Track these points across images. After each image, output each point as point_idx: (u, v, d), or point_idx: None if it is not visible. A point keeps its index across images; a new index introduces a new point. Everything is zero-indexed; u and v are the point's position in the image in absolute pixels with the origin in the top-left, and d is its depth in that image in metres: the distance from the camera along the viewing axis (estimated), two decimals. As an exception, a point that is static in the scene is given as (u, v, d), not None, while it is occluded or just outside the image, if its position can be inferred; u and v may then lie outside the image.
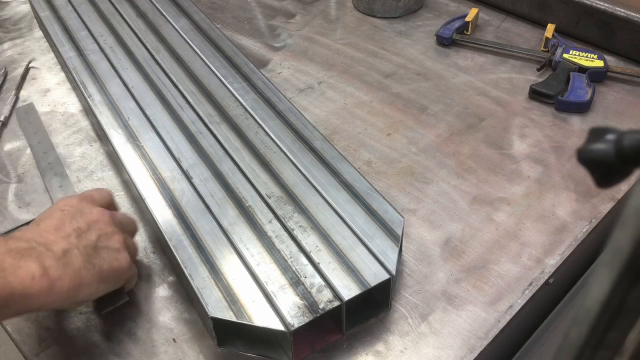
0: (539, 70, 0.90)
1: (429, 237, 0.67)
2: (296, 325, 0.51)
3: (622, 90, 0.87)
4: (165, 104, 0.78)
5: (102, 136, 0.79)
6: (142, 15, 0.97)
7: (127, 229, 0.61)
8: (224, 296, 0.54)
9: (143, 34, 0.92)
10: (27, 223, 0.68)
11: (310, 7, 1.10)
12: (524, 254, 0.65)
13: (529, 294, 0.61)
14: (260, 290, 0.55)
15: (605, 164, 0.28)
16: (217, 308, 0.53)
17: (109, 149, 0.78)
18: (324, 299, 0.53)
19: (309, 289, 0.54)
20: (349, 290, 0.54)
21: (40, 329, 0.60)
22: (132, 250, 0.59)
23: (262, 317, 0.52)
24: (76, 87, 0.86)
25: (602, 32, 0.92)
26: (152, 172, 0.68)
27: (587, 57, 0.88)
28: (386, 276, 0.55)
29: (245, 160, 0.68)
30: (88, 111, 0.84)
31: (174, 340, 0.58)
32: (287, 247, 0.58)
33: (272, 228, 0.60)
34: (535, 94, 0.85)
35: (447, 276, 0.63)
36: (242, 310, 0.53)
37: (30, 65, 0.96)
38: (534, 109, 0.84)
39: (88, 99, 0.79)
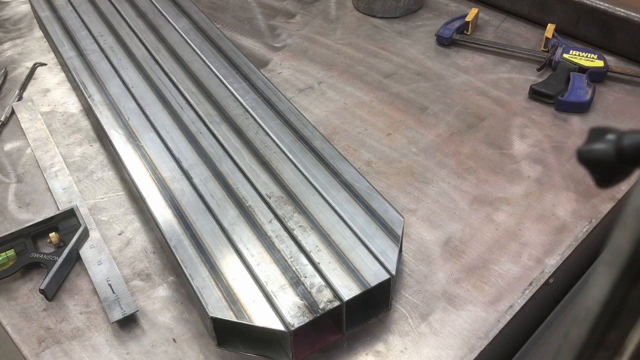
0: (539, 70, 0.90)
1: (429, 237, 0.67)
2: (296, 325, 0.51)
3: (622, 90, 0.87)
4: (165, 104, 0.78)
5: (102, 136, 0.79)
6: (142, 15, 0.97)
7: None
8: (224, 296, 0.54)
9: (143, 34, 0.92)
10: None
11: (310, 7, 1.10)
12: (524, 254, 0.65)
13: (529, 294, 0.61)
14: (260, 290, 0.55)
15: (605, 164, 0.28)
16: (217, 308, 0.53)
17: (109, 149, 0.78)
18: (324, 299, 0.53)
19: (309, 289, 0.54)
20: (349, 290, 0.54)
21: (40, 329, 0.60)
22: None
23: (262, 317, 0.52)
24: (76, 87, 0.86)
25: (602, 32, 0.92)
26: (152, 172, 0.68)
27: (587, 57, 0.88)
28: (386, 276, 0.55)
29: (245, 160, 0.68)
30: (88, 111, 0.84)
31: (174, 340, 0.58)
32: (287, 247, 0.58)
33: (272, 228, 0.60)
34: (535, 94, 0.85)
35: (447, 276, 0.63)
36: (242, 310, 0.53)
37: (37, 65, 0.96)
38: (534, 109, 0.84)
39: (88, 99, 0.79)
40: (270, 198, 0.63)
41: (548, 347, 0.65)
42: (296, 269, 0.56)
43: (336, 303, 0.53)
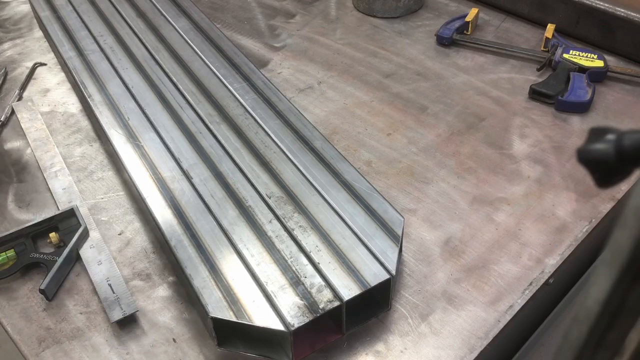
0: (539, 70, 0.90)
1: (429, 237, 0.67)
2: (296, 325, 0.51)
3: (622, 90, 0.87)
4: (165, 104, 0.78)
5: (102, 136, 0.79)
6: (142, 15, 0.97)
7: None
8: (224, 296, 0.54)
9: (143, 34, 0.92)
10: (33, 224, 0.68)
11: (310, 7, 1.10)
12: (524, 254, 0.65)
13: (529, 294, 0.61)
14: (260, 290, 0.55)
15: (605, 164, 0.28)
16: (217, 308, 0.53)
17: (109, 149, 0.78)
18: (324, 299, 0.53)
19: (309, 289, 0.54)
20: (349, 290, 0.54)
21: (40, 329, 0.60)
22: None
23: (262, 317, 0.52)
24: (76, 87, 0.86)
25: (602, 32, 0.92)
26: (152, 172, 0.68)
27: (587, 57, 0.88)
28: (386, 276, 0.55)
29: (245, 160, 0.69)
30: (88, 111, 0.84)
31: (174, 340, 0.58)
32: (287, 247, 0.58)
33: (272, 228, 0.60)
34: (535, 94, 0.85)
35: (447, 276, 0.63)
36: (242, 310, 0.53)
37: (37, 65, 0.95)
38: (534, 109, 0.84)
39: (88, 99, 0.79)
40: (270, 198, 0.64)
41: (548, 347, 0.65)
42: (296, 269, 0.56)
43: (336, 303, 0.53)
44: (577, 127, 0.81)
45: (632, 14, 0.87)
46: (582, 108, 0.83)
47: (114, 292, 0.61)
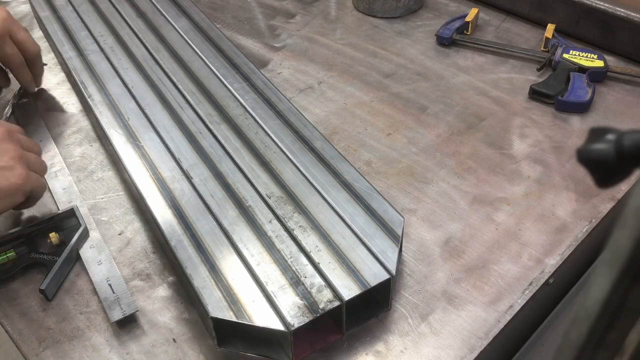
0: (539, 70, 0.90)
1: (429, 237, 0.67)
2: (296, 325, 0.51)
3: (622, 90, 0.87)
4: (165, 104, 0.78)
5: (102, 136, 0.80)
6: (142, 15, 0.97)
7: (28, 148, 0.64)
8: (224, 296, 0.54)
9: (143, 34, 0.92)
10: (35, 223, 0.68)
11: (310, 7, 1.10)
12: (524, 254, 0.65)
13: (529, 294, 0.61)
14: (260, 290, 0.55)
15: (605, 164, 0.28)
16: (217, 308, 0.53)
17: (109, 149, 0.78)
18: (324, 299, 0.53)
19: (309, 289, 0.54)
20: (349, 290, 0.54)
21: (40, 329, 0.60)
22: (35, 166, 0.64)
23: (262, 317, 0.52)
24: (76, 87, 0.86)
25: (602, 32, 0.92)
26: (152, 172, 0.68)
27: (587, 57, 0.88)
28: (386, 276, 0.55)
29: (245, 160, 0.69)
30: (88, 111, 0.84)
31: (174, 340, 0.58)
32: (287, 247, 0.58)
33: (272, 228, 0.60)
34: (535, 94, 0.85)
35: (447, 276, 0.63)
36: (242, 310, 0.53)
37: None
38: (534, 109, 0.84)
39: (88, 99, 0.79)
40: (270, 198, 0.64)
41: (548, 347, 0.65)
42: (296, 269, 0.56)
43: (336, 303, 0.53)
44: (577, 127, 0.81)
45: (632, 14, 0.87)
46: (582, 108, 0.83)
47: (114, 292, 0.61)
